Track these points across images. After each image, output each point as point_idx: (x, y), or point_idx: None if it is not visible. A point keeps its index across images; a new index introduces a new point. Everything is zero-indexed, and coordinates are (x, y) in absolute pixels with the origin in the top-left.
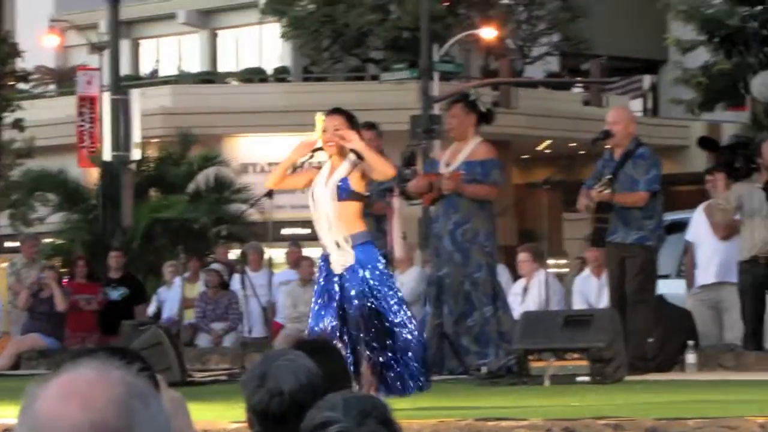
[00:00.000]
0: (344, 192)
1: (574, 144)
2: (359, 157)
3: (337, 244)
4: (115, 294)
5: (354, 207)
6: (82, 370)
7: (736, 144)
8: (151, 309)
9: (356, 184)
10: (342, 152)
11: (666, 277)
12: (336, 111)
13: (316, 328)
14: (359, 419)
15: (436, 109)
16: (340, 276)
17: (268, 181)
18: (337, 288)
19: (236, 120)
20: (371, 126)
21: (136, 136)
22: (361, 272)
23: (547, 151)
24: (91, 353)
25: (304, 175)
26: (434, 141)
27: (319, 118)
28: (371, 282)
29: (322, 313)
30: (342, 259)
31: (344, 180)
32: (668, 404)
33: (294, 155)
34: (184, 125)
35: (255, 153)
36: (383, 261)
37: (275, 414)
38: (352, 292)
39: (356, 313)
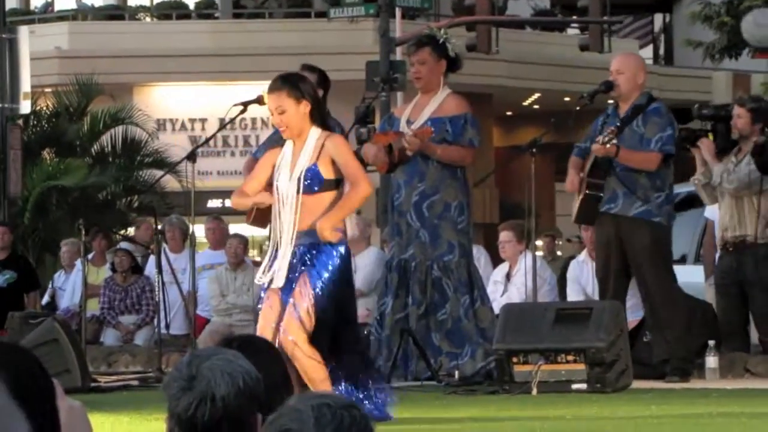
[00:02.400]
0: (314, 182)
1: (569, 98)
2: (324, 122)
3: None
4: (0, 279)
5: (326, 199)
6: None
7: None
8: (45, 298)
9: (327, 170)
10: (302, 131)
11: (681, 262)
12: (276, 86)
13: None
14: None
15: (398, 54)
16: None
17: (233, 201)
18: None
19: (150, 65)
20: (311, 69)
21: (26, 84)
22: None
23: (536, 106)
24: None
25: (265, 165)
26: (395, 93)
27: (265, 97)
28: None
29: None
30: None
31: (312, 168)
32: (683, 418)
33: (262, 200)
34: (85, 71)
35: (173, 106)
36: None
37: (205, 424)
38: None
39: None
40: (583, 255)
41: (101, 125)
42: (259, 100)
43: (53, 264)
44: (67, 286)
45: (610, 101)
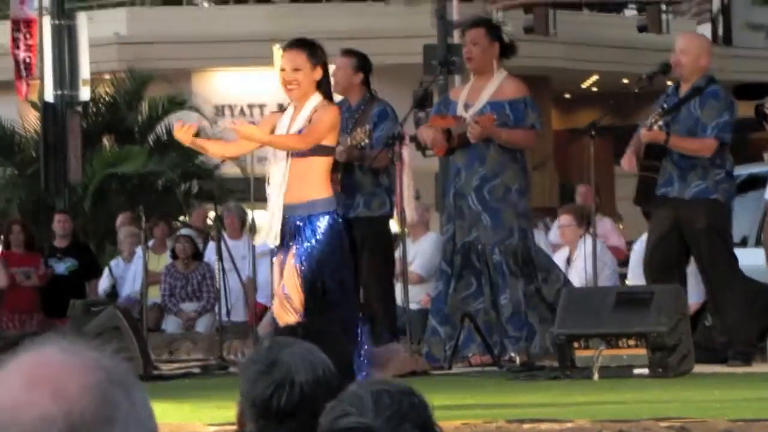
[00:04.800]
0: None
1: (627, 80)
2: (328, 97)
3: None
4: (61, 267)
5: (319, 164)
6: (47, 351)
7: None
8: (104, 285)
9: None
10: (306, 95)
11: (742, 244)
12: (296, 45)
13: None
14: (394, 424)
15: (456, 37)
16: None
17: (212, 151)
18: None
19: (208, 51)
20: (351, 53)
21: (85, 71)
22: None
23: (594, 89)
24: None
25: (265, 126)
26: (453, 76)
27: (277, 51)
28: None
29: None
30: (270, 236)
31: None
32: (746, 402)
33: (237, 150)
34: (144, 57)
35: (232, 92)
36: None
37: (280, 408)
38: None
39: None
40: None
41: (159, 111)
42: None
43: (113, 252)
44: (128, 274)
45: (670, 82)
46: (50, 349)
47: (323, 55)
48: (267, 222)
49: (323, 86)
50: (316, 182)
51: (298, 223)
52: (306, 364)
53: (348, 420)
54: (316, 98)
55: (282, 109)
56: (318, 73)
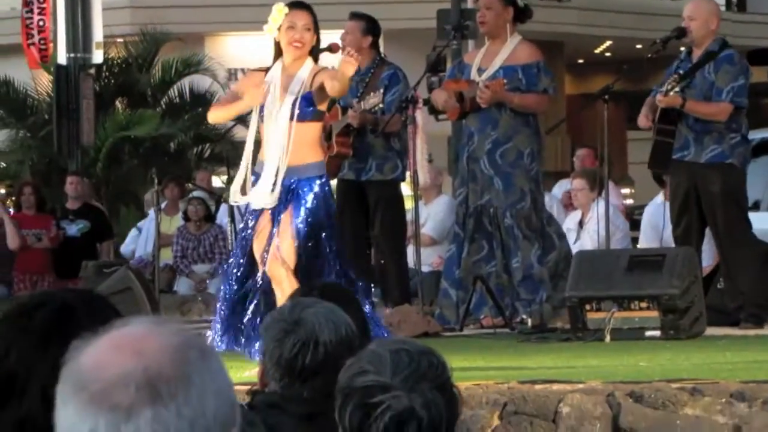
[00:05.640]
0: (307, 111)
1: (641, 45)
2: (315, 60)
3: (274, 179)
4: (73, 228)
5: (315, 128)
6: (134, 323)
7: None
8: (128, 248)
9: (320, 101)
10: (303, 57)
11: (754, 208)
12: (304, 6)
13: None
14: (411, 383)
15: (469, 2)
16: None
17: (210, 117)
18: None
19: (221, 14)
20: (359, 17)
21: (98, 33)
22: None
23: (608, 54)
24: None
25: (249, 87)
26: (467, 41)
27: (280, 10)
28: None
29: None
30: (269, 198)
31: (308, 95)
32: (757, 364)
33: (251, 101)
34: (157, 21)
35: (245, 55)
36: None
37: (305, 367)
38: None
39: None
40: (660, 197)
41: (172, 73)
42: (332, 48)
43: (127, 214)
44: (141, 235)
45: (683, 48)
46: (137, 321)
47: (317, 23)
48: (262, 183)
49: (314, 53)
50: (311, 146)
51: (291, 184)
52: (329, 323)
53: (365, 378)
54: (311, 62)
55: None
56: (314, 39)
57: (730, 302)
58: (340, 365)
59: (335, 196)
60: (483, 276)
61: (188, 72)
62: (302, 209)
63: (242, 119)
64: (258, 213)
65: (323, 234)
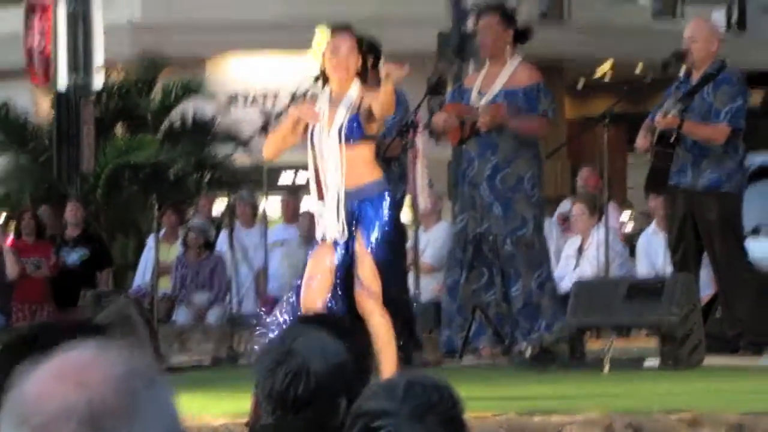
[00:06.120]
0: (355, 133)
1: (642, 67)
2: (363, 81)
3: (337, 206)
4: (73, 256)
5: (366, 150)
6: (77, 350)
7: None
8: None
9: (366, 122)
10: (350, 79)
11: (755, 233)
12: (346, 30)
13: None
14: (419, 413)
15: (470, 24)
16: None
17: (264, 151)
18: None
19: (223, 37)
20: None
21: (99, 57)
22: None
23: (608, 77)
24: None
25: (295, 120)
26: (468, 64)
27: (323, 34)
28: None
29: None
30: (337, 227)
31: (355, 117)
32: (756, 394)
33: (292, 121)
34: (158, 43)
35: (246, 79)
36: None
37: (296, 398)
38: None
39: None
40: (653, 226)
41: (173, 97)
42: None
43: (126, 241)
44: (139, 264)
45: (683, 70)
46: (80, 348)
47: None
48: (327, 216)
49: (363, 73)
50: (366, 165)
51: (354, 209)
52: (320, 352)
53: (375, 403)
54: (357, 84)
55: (295, 97)
56: (359, 61)
57: (728, 330)
58: (333, 395)
59: None
60: (482, 305)
61: (189, 96)
62: (372, 230)
63: (245, 146)
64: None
65: (394, 251)
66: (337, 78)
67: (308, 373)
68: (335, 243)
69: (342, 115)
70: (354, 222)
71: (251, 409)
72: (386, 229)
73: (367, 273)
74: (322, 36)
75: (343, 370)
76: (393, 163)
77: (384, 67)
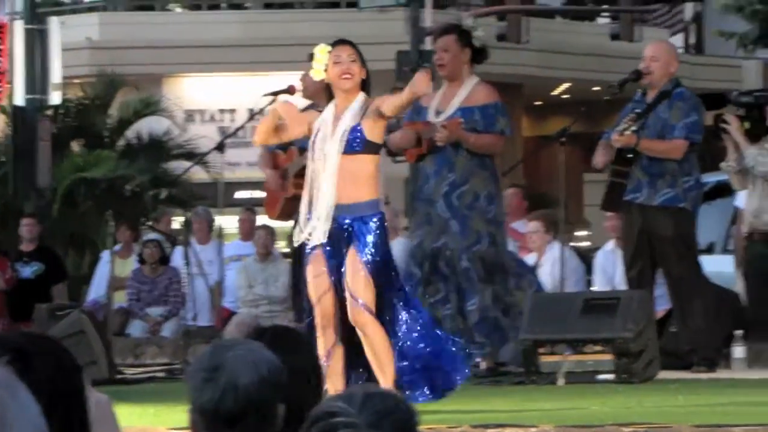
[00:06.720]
0: (357, 142)
1: (599, 88)
2: (368, 92)
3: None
4: (28, 271)
5: (368, 163)
6: None
7: (750, 104)
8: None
9: (372, 132)
10: (355, 89)
11: (709, 251)
12: (348, 42)
13: None
14: (374, 419)
15: (428, 44)
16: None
17: (255, 137)
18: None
19: (180, 56)
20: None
21: (56, 75)
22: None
23: (566, 96)
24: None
25: (300, 120)
26: None
27: (323, 50)
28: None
29: None
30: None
31: (356, 127)
32: (710, 408)
33: (273, 118)
34: (116, 62)
35: (203, 97)
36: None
37: (228, 414)
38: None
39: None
40: (611, 244)
41: (130, 114)
42: (290, 90)
43: (81, 256)
44: (94, 278)
45: (639, 89)
46: None
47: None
48: (313, 220)
49: (365, 87)
50: (365, 182)
51: (347, 225)
52: (249, 365)
53: (332, 407)
54: (362, 96)
55: (252, 115)
56: (362, 72)
57: (683, 346)
58: (266, 407)
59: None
60: (438, 319)
61: (145, 113)
62: (366, 247)
63: (202, 162)
64: (309, 255)
65: (389, 270)
66: (342, 87)
67: (237, 388)
68: (325, 251)
69: (346, 124)
70: (346, 238)
71: (189, 427)
72: (381, 249)
73: (361, 286)
74: (321, 53)
75: (274, 379)
76: None
77: (418, 75)
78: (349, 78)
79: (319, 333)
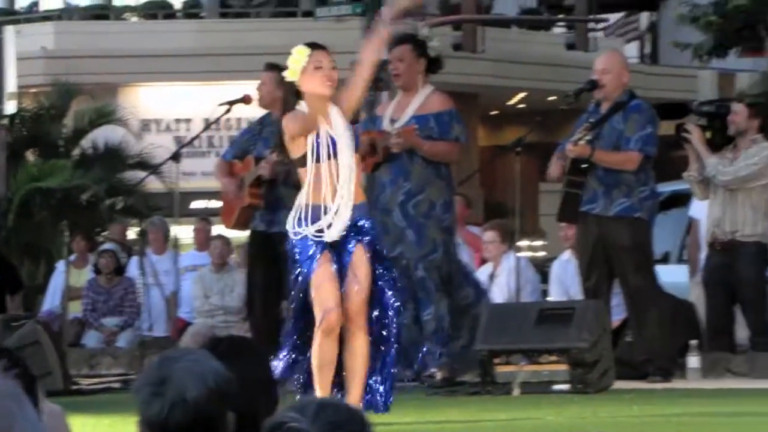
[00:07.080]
0: (356, 143)
1: (554, 97)
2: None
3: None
4: None
5: (359, 163)
6: None
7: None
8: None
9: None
10: (331, 97)
11: (663, 261)
12: (322, 47)
13: None
14: (327, 430)
15: (385, 54)
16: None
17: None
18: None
19: (135, 65)
20: (273, 68)
21: (11, 84)
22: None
23: (521, 105)
24: None
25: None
26: (382, 93)
27: (302, 52)
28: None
29: None
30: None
31: (350, 128)
32: (664, 417)
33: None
34: (71, 71)
35: (158, 106)
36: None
37: (177, 427)
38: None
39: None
40: (567, 254)
41: (87, 124)
42: (245, 100)
43: (36, 266)
44: (49, 288)
45: (592, 100)
46: None
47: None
48: (328, 216)
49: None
50: (359, 184)
51: (354, 220)
52: (196, 377)
53: (284, 417)
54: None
55: (208, 124)
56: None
57: (638, 355)
58: (214, 418)
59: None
60: None
61: (101, 122)
62: (370, 240)
63: (157, 172)
64: (312, 257)
65: (385, 261)
66: (324, 92)
67: (185, 401)
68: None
69: (344, 125)
70: (353, 233)
71: None
72: (379, 245)
73: (363, 276)
74: (300, 55)
75: (224, 391)
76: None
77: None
78: (332, 85)
79: (319, 338)
